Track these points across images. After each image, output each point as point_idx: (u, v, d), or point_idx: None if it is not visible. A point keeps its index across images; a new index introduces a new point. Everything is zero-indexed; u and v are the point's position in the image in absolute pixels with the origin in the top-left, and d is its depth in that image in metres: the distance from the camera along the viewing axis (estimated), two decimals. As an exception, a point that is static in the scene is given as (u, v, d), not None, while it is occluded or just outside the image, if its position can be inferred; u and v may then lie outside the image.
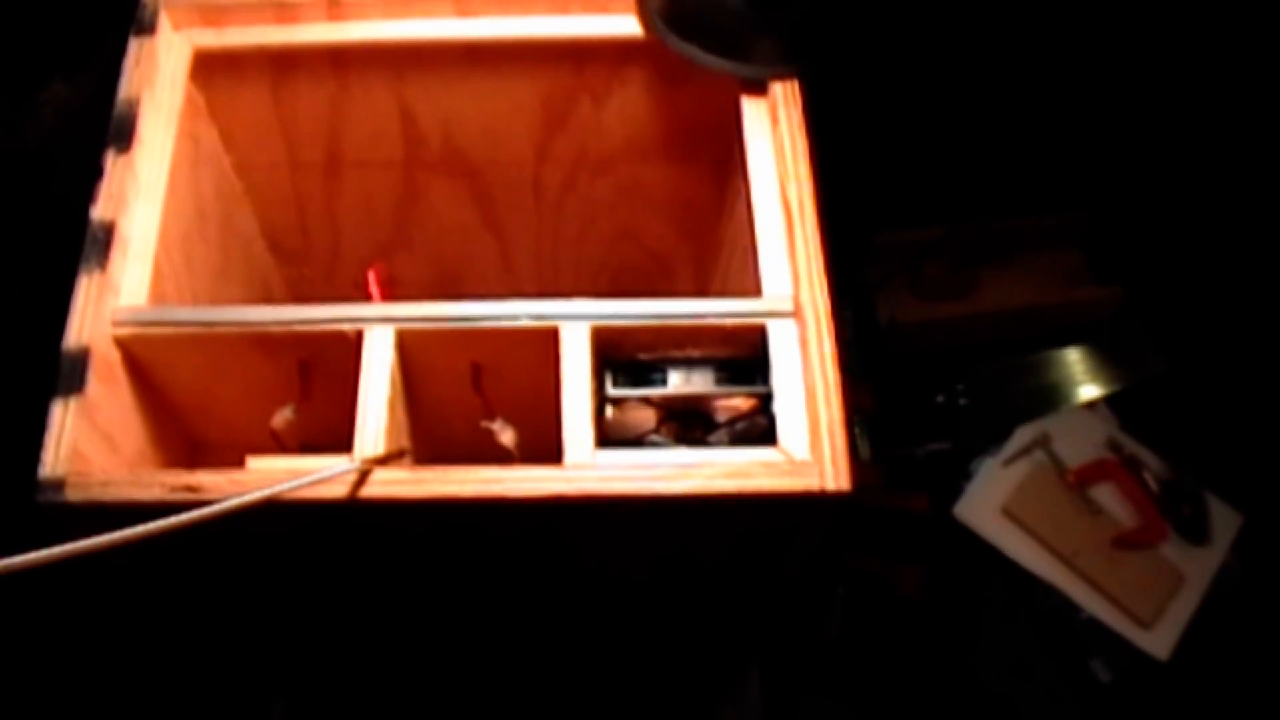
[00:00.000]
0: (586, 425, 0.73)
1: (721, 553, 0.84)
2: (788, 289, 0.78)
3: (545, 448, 0.84)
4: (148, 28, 0.87)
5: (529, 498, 0.70)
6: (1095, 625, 1.36)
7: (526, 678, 1.15)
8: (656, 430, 0.81)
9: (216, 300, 0.95)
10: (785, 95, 0.84)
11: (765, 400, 0.78)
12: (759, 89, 0.85)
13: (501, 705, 1.22)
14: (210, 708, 1.25)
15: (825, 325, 0.75)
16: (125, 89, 0.85)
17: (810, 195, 0.80)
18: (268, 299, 1.11)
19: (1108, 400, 1.49)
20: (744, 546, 0.82)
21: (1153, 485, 1.42)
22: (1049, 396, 1.49)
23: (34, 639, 1.22)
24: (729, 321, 0.77)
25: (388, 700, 1.22)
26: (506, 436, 0.82)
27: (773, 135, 0.83)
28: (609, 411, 0.78)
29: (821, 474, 0.71)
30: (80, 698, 1.22)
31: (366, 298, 0.93)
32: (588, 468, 0.71)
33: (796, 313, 0.77)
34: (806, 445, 0.73)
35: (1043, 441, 1.45)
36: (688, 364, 0.79)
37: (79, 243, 0.88)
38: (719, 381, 0.79)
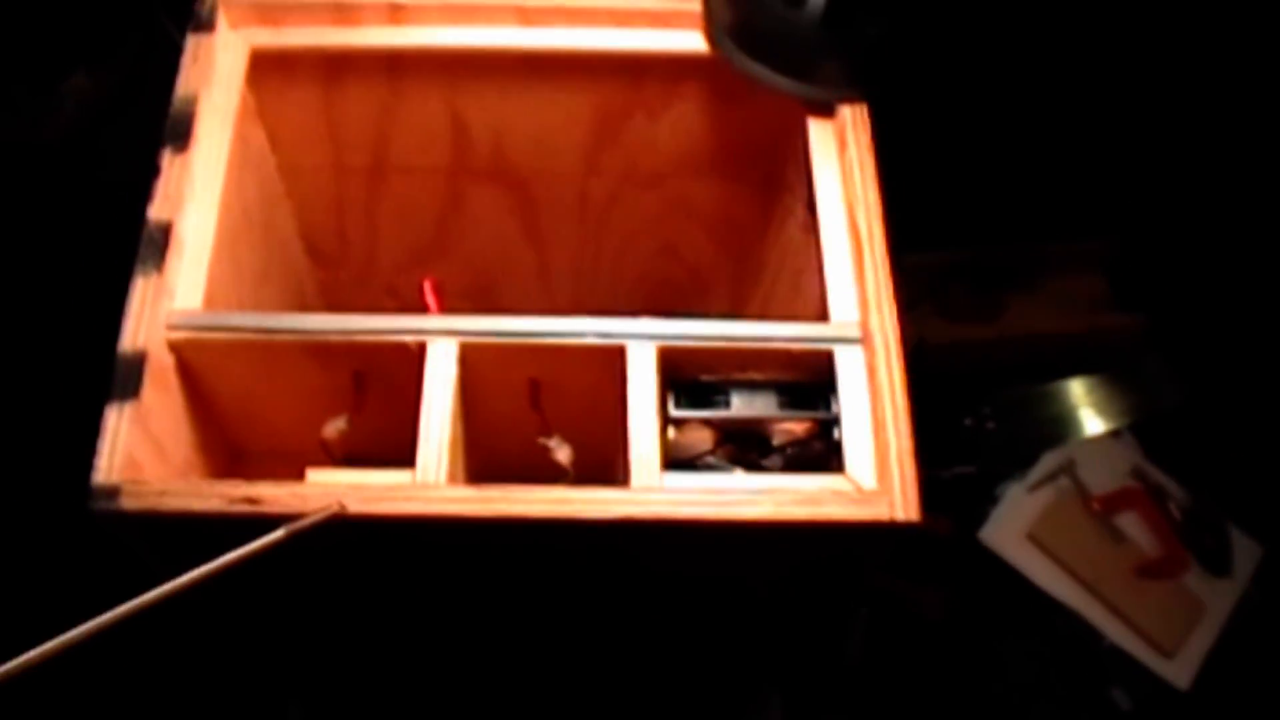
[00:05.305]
0: (654, 447, 0.72)
1: (777, 577, 0.83)
2: (855, 315, 0.77)
3: (597, 465, 0.83)
4: (205, 25, 0.85)
5: (597, 519, 0.69)
6: (1117, 653, 1.36)
7: (552, 687, 1.14)
8: (712, 451, 0.80)
9: (259, 304, 0.93)
10: (854, 119, 0.83)
11: (823, 426, 0.78)
12: (826, 111, 0.84)
13: (520, 716, 1.21)
14: (226, 710, 1.23)
15: (895, 353, 0.75)
16: (182, 87, 0.83)
17: (879, 221, 0.80)
18: (302, 303, 1.10)
19: (1133, 428, 1.49)
20: (800, 571, 0.81)
21: (1176, 515, 1.42)
22: (1075, 423, 1.49)
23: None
24: (796, 346, 0.76)
25: (407, 706, 1.21)
26: (563, 454, 0.81)
27: (840, 159, 0.83)
28: (670, 432, 0.77)
29: (891, 504, 0.70)
30: (98, 698, 1.20)
31: (420, 308, 0.92)
32: (656, 490, 0.70)
33: (865, 340, 0.76)
34: (874, 474, 0.72)
35: (1068, 468, 1.45)
36: (750, 387, 0.79)
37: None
38: (781, 406, 0.78)
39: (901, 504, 0.70)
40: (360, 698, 1.19)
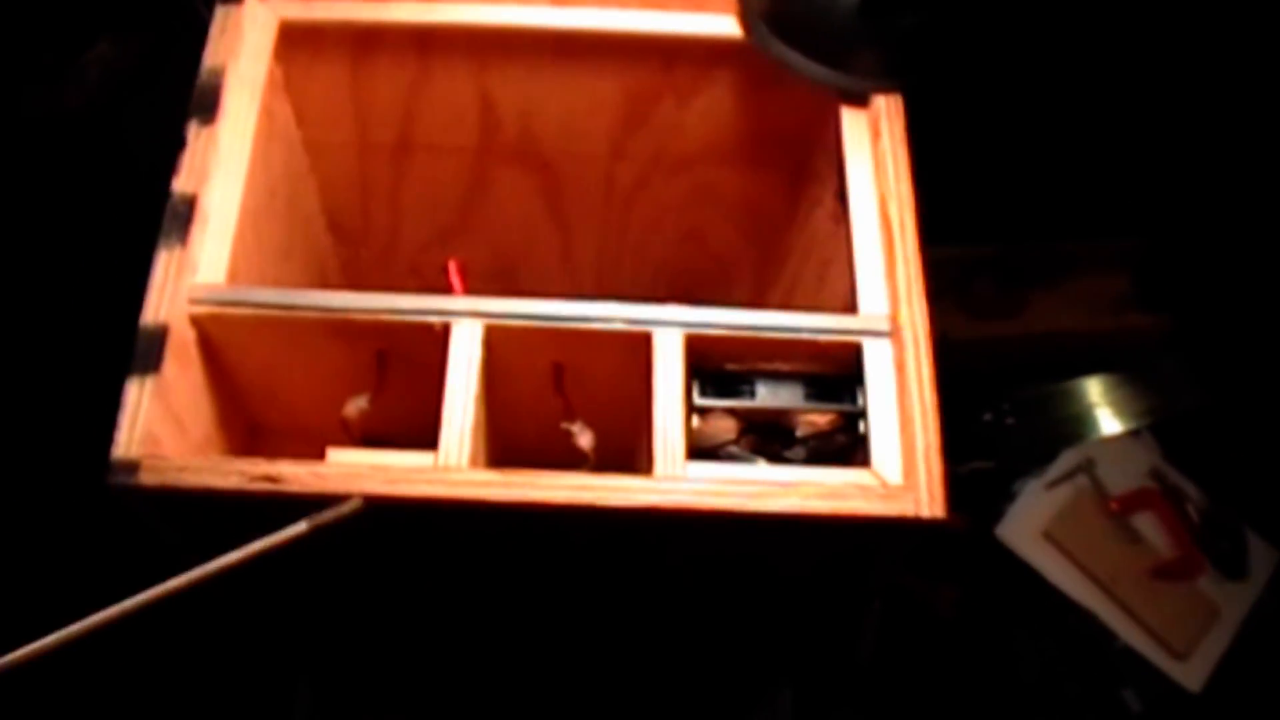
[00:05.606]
0: (679, 436, 0.71)
1: (795, 570, 0.82)
2: (884, 308, 0.76)
3: (619, 452, 0.82)
4: (235, -4, 0.85)
5: (619, 507, 0.68)
6: (1129, 654, 1.35)
7: (564, 675, 1.14)
8: (735, 442, 0.79)
9: (280, 281, 0.93)
10: (888, 109, 0.82)
11: (847, 418, 0.77)
12: (860, 101, 0.83)
13: (530, 703, 1.21)
14: (236, 688, 1.23)
15: (924, 348, 0.74)
16: (210, 59, 0.83)
17: (911, 214, 0.79)
18: (323, 280, 1.09)
19: (1152, 429, 1.48)
20: (822, 566, 0.81)
21: (1193, 517, 1.42)
22: (1094, 422, 1.48)
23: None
24: (824, 337, 0.75)
25: (415, 688, 1.21)
26: (585, 439, 0.80)
27: (873, 150, 0.81)
28: (694, 421, 0.76)
29: (916, 500, 0.69)
30: (106, 676, 1.20)
31: (443, 289, 0.91)
32: (680, 480, 0.70)
33: (894, 333, 0.75)
34: (899, 469, 0.71)
35: (1086, 466, 1.44)
36: (775, 377, 0.78)
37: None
38: (807, 397, 0.77)
39: (927, 500, 0.70)
40: (371, 678, 1.19)
